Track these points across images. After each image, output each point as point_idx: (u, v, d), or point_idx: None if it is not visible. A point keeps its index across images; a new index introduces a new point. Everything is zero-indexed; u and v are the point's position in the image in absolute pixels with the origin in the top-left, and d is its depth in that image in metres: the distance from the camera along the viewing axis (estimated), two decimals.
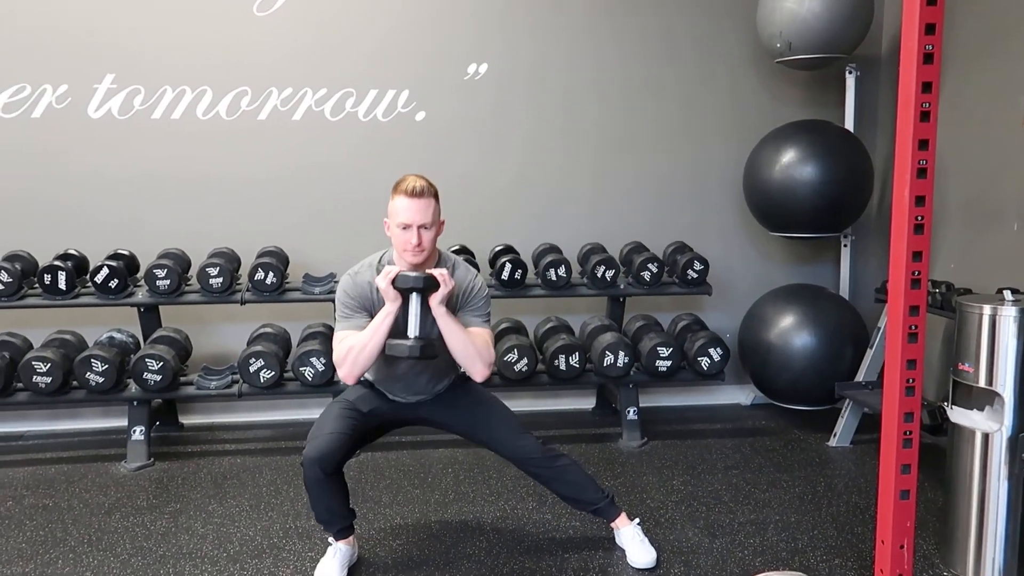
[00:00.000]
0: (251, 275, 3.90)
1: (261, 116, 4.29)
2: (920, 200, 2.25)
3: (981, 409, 2.69)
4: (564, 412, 4.57)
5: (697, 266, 4.21)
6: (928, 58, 2.18)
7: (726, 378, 4.18)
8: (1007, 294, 2.67)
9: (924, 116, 2.21)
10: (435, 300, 2.53)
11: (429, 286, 2.51)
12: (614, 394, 4.23)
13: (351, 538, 2.79)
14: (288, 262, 4.18)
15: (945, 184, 4.06)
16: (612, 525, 2.91)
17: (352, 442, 2.69)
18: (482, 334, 2.65)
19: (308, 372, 3.72)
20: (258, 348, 3.74)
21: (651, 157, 4.59)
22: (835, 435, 4.05)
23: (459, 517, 3.21)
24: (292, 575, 2.76)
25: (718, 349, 4.01)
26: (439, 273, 2.53)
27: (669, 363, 3.95)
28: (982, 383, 2.63)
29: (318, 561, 2.78)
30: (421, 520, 3.18)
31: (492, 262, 4.21)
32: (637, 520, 2.91)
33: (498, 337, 4.12)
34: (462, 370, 2.79)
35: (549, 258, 4.09)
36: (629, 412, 4.09)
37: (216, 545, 2.98)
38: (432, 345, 2.56)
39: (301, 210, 4.39)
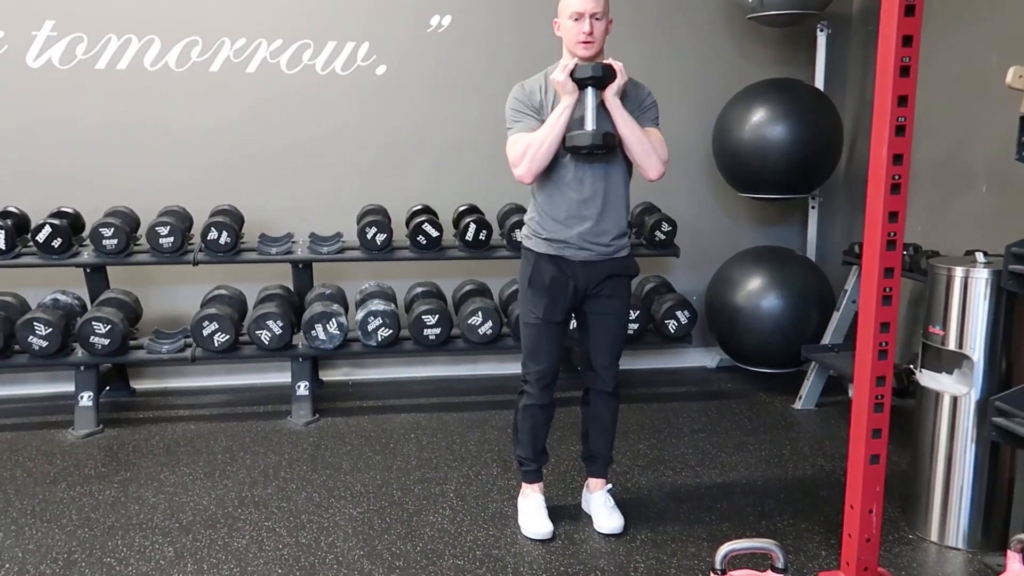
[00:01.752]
0: (204, 235, 3.74)
1: (213, 67, 4.09)
2: (898, 159, 2.18)
3: (950, 372, 2.67)
4: None
5: (665, 227, 4.13)
6: (909, 10, 2.10)
7: (692, 340, 4.14)
8: (979, 256, 2.63)
9: (904, 71, 2.14)
10: (611, 91, 2.49)
11: (607, 75, 2.46)
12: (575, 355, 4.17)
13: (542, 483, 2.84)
14: (243, 221, 4.02)
15: (914, 145, 4.02)
16: (589, 483, 2.87)
17: None
18: (657, 133, 2.61)
19: (264, 335, 3.59)
20: (212, 311, 3.60)
21: None
22: (800, 397, 4.04)
23: (421, 484, 3.13)
24: (248, 545, 2.66)
25: (685, 312, 3.95)
26: (616, 64, 2.48)
27: (636, 326, 3.89)
28: (952, 346, 2.61)
29: (275, 531, 2.69)
30: (382, 487, 3.10)
31: (456, 222, 4.08)
32: (610, 486, 2.86)
33: (462, 299, 4.02)
34: (627, 247, 2.70)
35: (514, 219, 3.98)
36: None
37: (168, 515, 2.86)
38: (611, 134, 2.50)
39: (257, 167, 4.21)
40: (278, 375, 4.17)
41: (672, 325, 3.95)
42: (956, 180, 3.72)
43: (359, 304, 3.86)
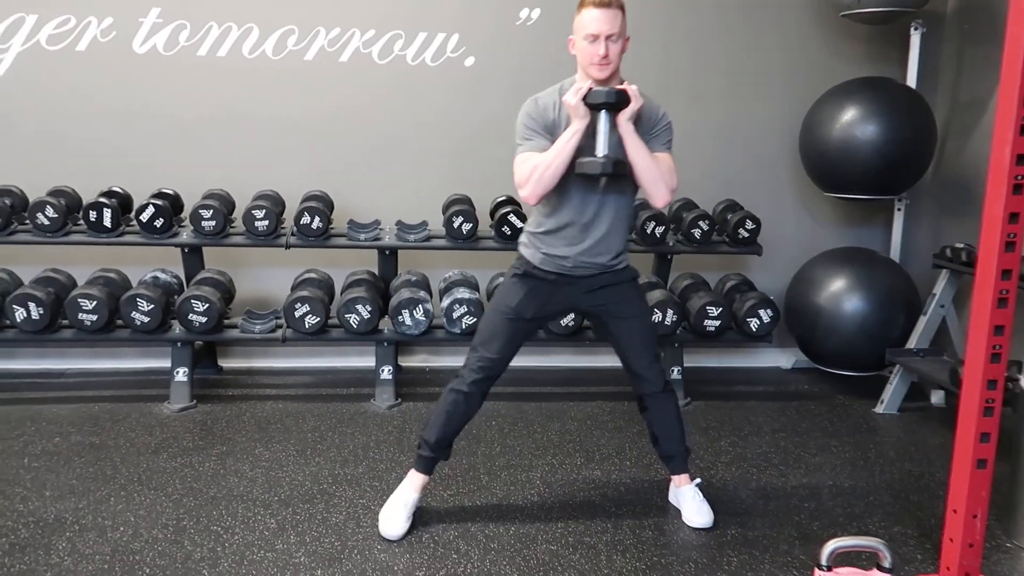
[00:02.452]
0: (297, 219, 3.84)
1: (308, 56, 4.19)
2: (1021, 159, 2.14)
3: None
4: (600, 369, 4.46)
5: (749, 225, 4.11)
6: None
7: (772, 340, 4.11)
8: None
9: None
10: (624, 116, 2.43)
11: (621, 101, 2.41)
12: None
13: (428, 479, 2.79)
14: (333, 207, 4.11)
15: None
16: (674, 480, 2.88)
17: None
18: (667, 159, 2.56)
19: (353, 319, 3.68)
20: (304, 293, 3.69)
21: (704, 111, 4.45)
22: (882, 402, 3.99)
23: (507, 470, 3.18)
24: (345, 521, 2.74)
25: (768, 311, 3.93)
26: (631, 88, 2.43)
27: (718, 323, 3.88)
28: None
29: (371, 508, 2.77)
30: (469, 471, 3.15)
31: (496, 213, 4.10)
32: (698, 480, 2.87)
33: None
34: (625, 261, 2.70)
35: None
36: (673, 371, 4.03)
37: (266, 488, 2.96)
38: (623, 163, 2.46)
39: (347, 154, 4.30)
40: (359, 359, 4.26)
41: (754, 323, 3.92)
42: None
43: (444, 292, 3.92)
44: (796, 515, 2.87)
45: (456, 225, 3.89)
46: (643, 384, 2.76)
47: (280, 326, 3.79)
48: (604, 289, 2.66)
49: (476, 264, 4.23)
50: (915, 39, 4.29)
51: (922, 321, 3.94)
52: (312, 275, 4.01)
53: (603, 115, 2.43)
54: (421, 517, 2.77)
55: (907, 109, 3.97)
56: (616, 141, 2.47)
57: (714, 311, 3.87)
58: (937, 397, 4.11)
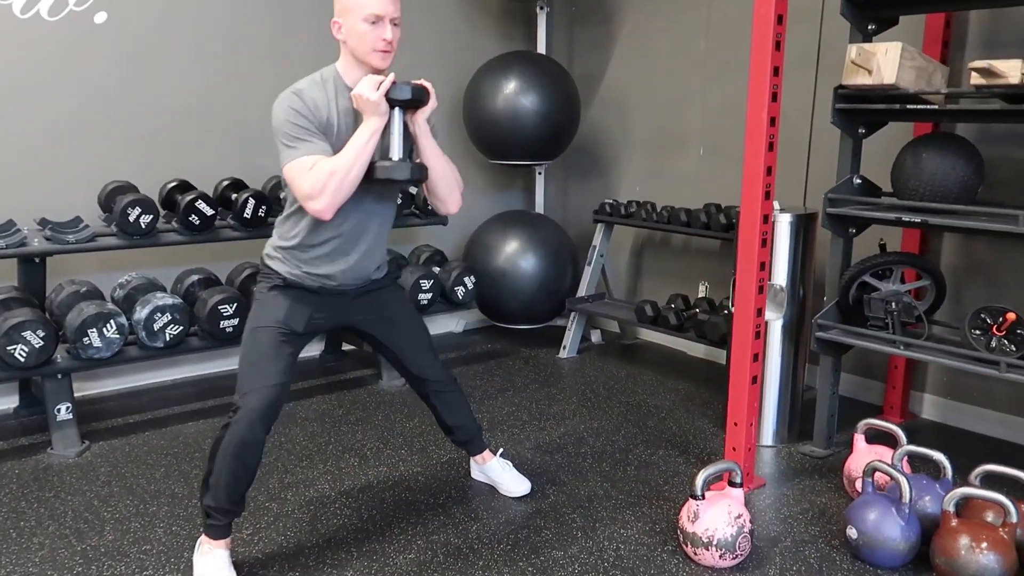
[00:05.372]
0: None
1: None
2: (772, 120, 2.56)
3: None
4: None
5: None
6: None
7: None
8: (776, 205, 3.18)
9: (777, 45, 2.51)
10: (422, 116, 2.21)
11: (421, 98, 2.17)
12: None
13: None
14: None
15: (632, 117, 4.62)
16: (476, 459, 2.82)
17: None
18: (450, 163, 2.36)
19: (20, 352, 2.81)
20: None
21: None
22: (565, 347, 4.41)
23: (291, 490, 2.77)
24: None
25: (471, 277, 4.04)
26: (428, 84, 2.20)
27: (430, 295, 3.87)
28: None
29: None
30: (252, 503, 2.67)
31: (225, 198, 3.59)
32: (501, 450, 2.86)
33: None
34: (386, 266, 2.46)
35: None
36: None
37: None
38: (424, 168, 2.22)
39: None
40: None
41: (460, 291, 4.00)
42: (673, 146, 4.39)
43: (125, 301, 3.21)
44: (584, 460, 3.04)
45: (132, 218, 3.19)
46: (429, 384, 2.61)
47: None
48: (371, 294, 2.44)
49: (154, 263, 3.53)
50: (541, 18, 4.72)
51: (587, 271, 4.43)
52: None
53: (398, 112, 2.18)
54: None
55: (562, 80, 4.37)
56: (409, 142, 2.26)
57: (426, 284, 3.85)
58: (596, 336, 4.69)
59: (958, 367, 2.62)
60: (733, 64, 3.94)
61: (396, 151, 2.19)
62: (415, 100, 2.17)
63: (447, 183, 2.33)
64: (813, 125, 3.38)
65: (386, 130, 2.17)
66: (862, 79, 2.62)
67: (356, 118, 2.18)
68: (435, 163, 2.27)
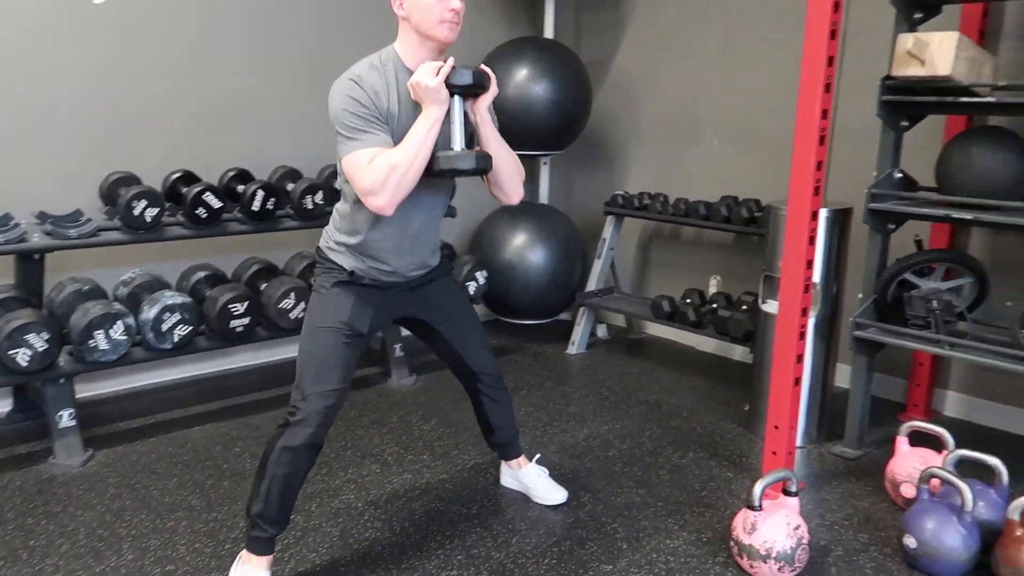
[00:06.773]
0: None
1: None
2: (824, 113, 2.46)
3: None
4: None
5: None
6: None
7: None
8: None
9: (832, 34, 2.40)
10: (483, 103, 2.08)
11: (482, 83, 2.04)
12: None
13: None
14: None
15: (642, 106, 4.51)
16: (511, 464, 2.70)
17: None
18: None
19: (23, 356, 2.63)
20: None
21: None
22: (573, 343, 4.30)
23: (314, 500, 2.63)
24: None
25: (484, 272, 3.91)
26: (489, 70, 2.07)
27: None
28: None
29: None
30: None
31: (231, 190, 3.41)
32: (538, 456, 2.75)
33: (254, 280, 3.40)
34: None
35: (304, 185, 3.46)
36: (396, 349, 3.77)
37: None
38: (489, 157, 2.09)
39: None
40: None
41: (472, 287, 3.87)
42: (687, 137, 4.28)
43: (131, 299, 3.02)
44: (614, 464, 2.93)
45: (138, 212, 3.00)
46: (482, 379, 2.51)
47: None
48: (429, 285, 2.33)
49: (154, 258, 3.35)
50: (549, 1, 4.57)
51: (597, 264, 4.32)
52: None
53: (458, 100, 2.04)
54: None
55: (575, 67, 4.23)
56: (470, 132, 2.13)
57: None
58: (602, 331, 4.59)
59: (1010, 368, 2.54)
60: (757, 52, 3.84)
61: (458, 141, 2.06)
62: (476, 86, 2.03)
63: (510, 173, 2.19)
64: (837, 117, 3.29)
65: (445, 119, 2.03)
66: (914, 70, 2.53)
67: (418, 103, 2.04)
68: (500, 151, 2.15)
